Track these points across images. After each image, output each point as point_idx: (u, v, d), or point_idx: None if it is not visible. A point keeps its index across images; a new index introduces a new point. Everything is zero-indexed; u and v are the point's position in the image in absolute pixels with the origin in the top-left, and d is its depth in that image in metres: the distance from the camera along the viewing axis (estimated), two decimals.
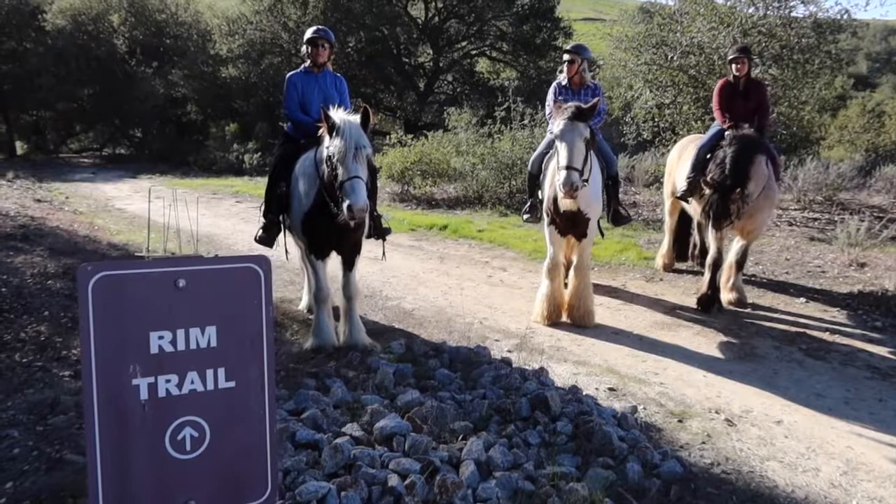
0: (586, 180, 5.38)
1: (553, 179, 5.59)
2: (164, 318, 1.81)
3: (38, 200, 13.66)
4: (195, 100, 28.57)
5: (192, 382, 1.86)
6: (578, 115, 5.28)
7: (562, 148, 5.28)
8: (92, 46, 27.75)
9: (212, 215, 12.49)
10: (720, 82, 7.14)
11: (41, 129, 31.99)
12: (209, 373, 1.88)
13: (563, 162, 5.21)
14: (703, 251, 7.61)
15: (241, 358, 1.91)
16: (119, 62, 28.30)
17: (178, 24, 30.13)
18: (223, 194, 16.25)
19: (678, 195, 7.16)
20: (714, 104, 7.05)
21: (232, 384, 1.90)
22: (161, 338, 1.81)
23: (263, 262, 1.92)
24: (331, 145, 4.36)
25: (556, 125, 5.39)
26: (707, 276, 6.54)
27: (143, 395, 1.79)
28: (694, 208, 7.09)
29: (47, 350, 4.85)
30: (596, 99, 5.52)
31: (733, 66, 6.90)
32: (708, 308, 6.44)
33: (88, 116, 30.19)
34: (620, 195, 6.97)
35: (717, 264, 6.48)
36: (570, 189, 5.14)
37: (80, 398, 4.00)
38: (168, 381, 1.83)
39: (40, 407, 3.89)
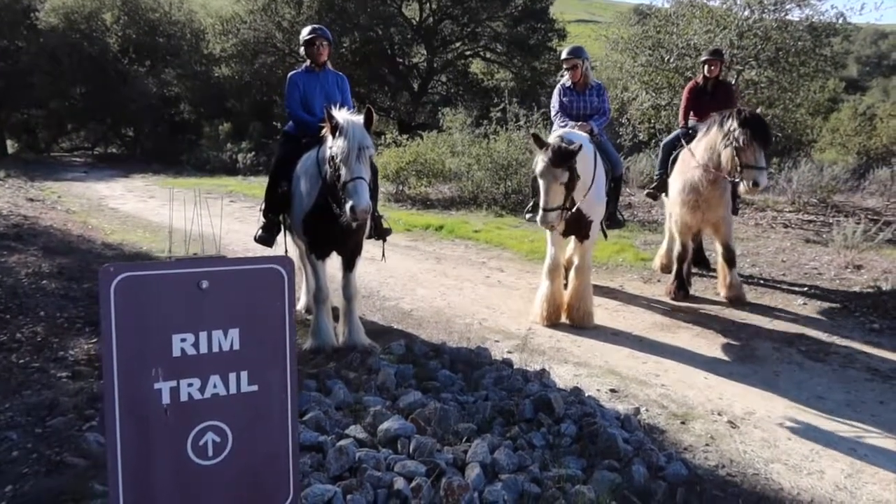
0: (569, 209, 5.42)
1: None
2: (187, 320, 1.77)
3: (31, 199, 13.54)
4: (188, 99, 28.45)
5: (215, 386, 1.82)
6: (556, 161, 5.21)
7: (541, 187, 5.35)
8: (84, 45, 27.52)
9: (206, 215, 12.40)
10: (689, 84, 7.43)
11: (32, 127, 31.76)
12: (232, 376, 1.84)
13: (542, 204, 5.32)
14: (700, 251, 7.70)
15: (263, 361, 1.88)
16: (112, 61, 28.09)
17: (171, 23, 29.95)
18: (217, 194, 16.15)
19: (647, 192, 7.39)
20: (681, 105, 7.32)
21: (254, 388, 1.87)
22: (184, 340, 1.77)
23: (287, 263, 1.89)
24: (334, 145, 4.32)
25: (538, 163, 5.39)
26: (674, 268, 6.94)
27: (166, 399, 1.75)
28: (665, 202, 7.25)
29: (44, 351, 4.79)
30: (577, 143, 5.37)
31: (705, 67, 7.19)
32: (675, 298, 6.85)
33: (80, 115, 29.96)
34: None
35: (682, 257, 6.83)
36: (549, 227, 5.38)
37: (78, 400, 3.95)
38: (190, 384, 1.79)
39: (39, 409, 3.84)
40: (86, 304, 5.94)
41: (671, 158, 7.02)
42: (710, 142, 6.16)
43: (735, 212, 7.10)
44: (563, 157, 5.19)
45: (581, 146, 5.33)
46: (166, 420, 1.71)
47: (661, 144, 7.35)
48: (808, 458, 3.76)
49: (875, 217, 9.75)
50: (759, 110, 6.14)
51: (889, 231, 8.59)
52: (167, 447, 1.73)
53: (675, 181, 6.66)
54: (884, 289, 6.79)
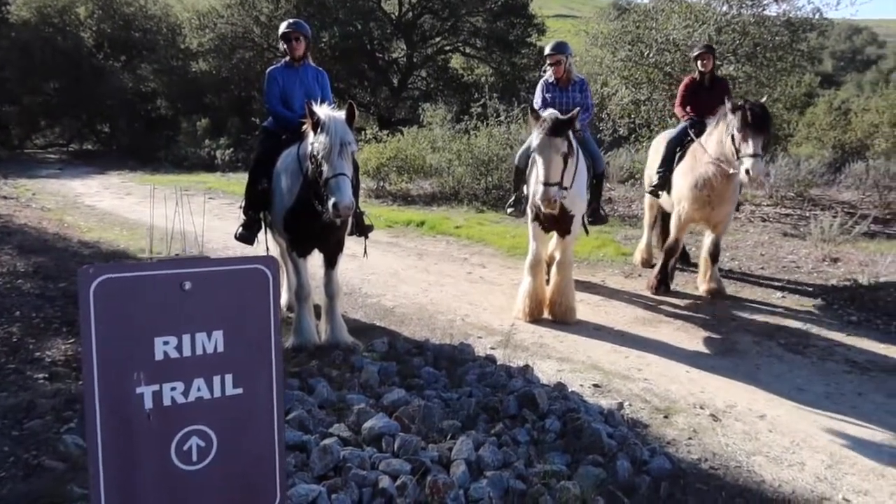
0: (567, 188, 5.39)
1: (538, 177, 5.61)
2: (170, 322, 1.72)
3: (4, 197, 13.31)
4: (165, 94, 28.05)
5: (199, 390, 1.77)
6: (555, 130, 5.22)
7: (539, 163, 5.29)
8: (58, 39, 27.06)
9: (185, 212, 12.26)
10: (686, 79, 7.41)
11: (5, 123, 31.12)
12: (216, 379, 1.80)
13: (542, 178, 5.24)
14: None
15: (248, 363, 1.84)
16: (86, 56, 27.65)
17: (146, 18, 29.54)
18: (195, 191, 15.93)
19: (649, 190, 7.33)
20: (677, 100, 7.28)
21: (239, 391, 1.83)
22: (166, 343, 1.73)
23: (271, 263, 1.85)
24: (315, 141, 4.28)
25: (534, 138, 5.36)
26: (660, 261, 6.88)
27: (148, 403, 1.70)
28: (666, 201, 7.21)
29: (20, 352, 4.69)
30: (575, 110, 5.46)
31: (698, 62, 7.17)
32: (656, 291, 6.85)
33: (54, 111, 29.44)
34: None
35: (671, 252, 6.80)
36: (549, 203, 5.21)
37: (56, 402, 3.88)
38: (173, 388, 1.74)
39: (15, 411, 3.76)
40: (62, 303, 5.84)
41: (677, 156, 6.88)
42: (720, 135, 6.12)
43: (737, 208, 7.09)
44: (561, 126, 5.22)
45: (577, 111, 5.41)
46: (149, 425, 1.67)
47: (666, 142, 7.19)
48: (788, 450, 3.80)
49: (851, 210, 9.88)
50: (763, 100, 6.12)
51: (865, 224, 8.73)
52: (150, 453, 1.68)
53: (685, 176, 6.54)
54: (860, 281, 6.89)
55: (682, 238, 6.81)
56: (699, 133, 6.60)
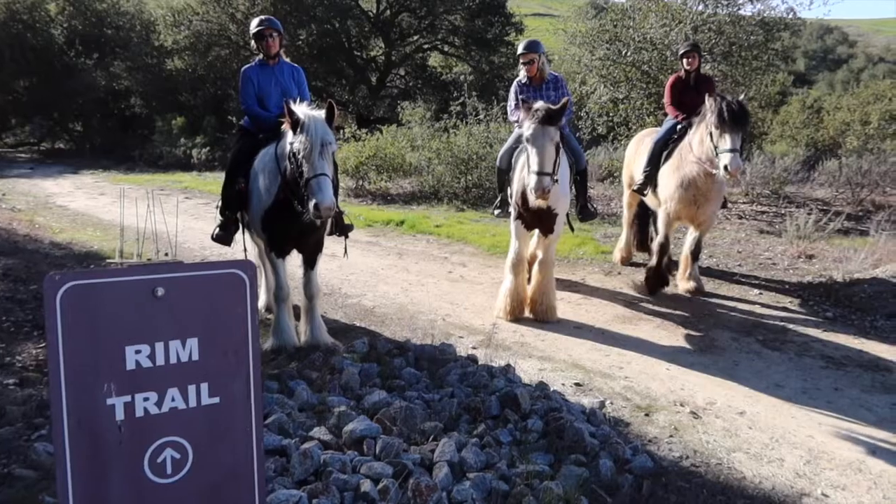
0: (556, 179, 5.37)
1: (521, 174, 5.59)
2: (142, 330, 1.66)
3: None
4: (139, 93, 27.60)
5: (173, 400, 1.71)
6: (548, 119, 5.21)
7: (532, 153, 5.25)
8: (28, 37, 26.53)
9: (159, 212, 12.08)
10: (672, 78, 7.36)
11: None
12: (191, 389, 1.73)
13: (535, 167, 5.20)
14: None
15: (225, 371, 1.78)
16: (57, 53, 27.14)
17: (119, 15, 29.03)
18: (171, 190, 15.76)
19: (635, 188, 7.31)
20: (666, 99, 7.28)
21: (216, 400, 1.77)
22: (138, 352, 1.66)
23: (248, 267, 1.79)
24: (295, 141, 4.21)
25: (526, 128, 5.33)
26: (654, 259, 6.78)
27: (119, 415, 1.64)
28: (651, 200, 7.21)
29: None
30: (566, 99, 5.47)
31: (684, 60, 7.16)
32: (653, 291, 6.77)
33: (25, 109, 28.87)
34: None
35: (663, 249, 6.71)
36: (542, 193, 5.16)
37: (27, 408, 3.79)
38: (146, 399, 1.68)
39: None
40: (33, 306, 5.71)
41: (664, 156, 6.85)
42: (701, 134, 6.13)
43: (724, 205, 7.07)
44: (554, 115, 5.23)
45: (567, 99, 5.43)
46: (121, 437, 1.61)
47: (653, 142, 7.19)
48: (768, 447, 3.82)
49: (825, 207, 10.03)
50: (741, 97, 6.14)
51: (838, 221, 8.85)
52: (122, 466, 1.61)
53: (671, 176, 6.53)
54: (835, 278, 6.97)
55: (671, 235, 6.77)
56: (684, 131, 6.61)
